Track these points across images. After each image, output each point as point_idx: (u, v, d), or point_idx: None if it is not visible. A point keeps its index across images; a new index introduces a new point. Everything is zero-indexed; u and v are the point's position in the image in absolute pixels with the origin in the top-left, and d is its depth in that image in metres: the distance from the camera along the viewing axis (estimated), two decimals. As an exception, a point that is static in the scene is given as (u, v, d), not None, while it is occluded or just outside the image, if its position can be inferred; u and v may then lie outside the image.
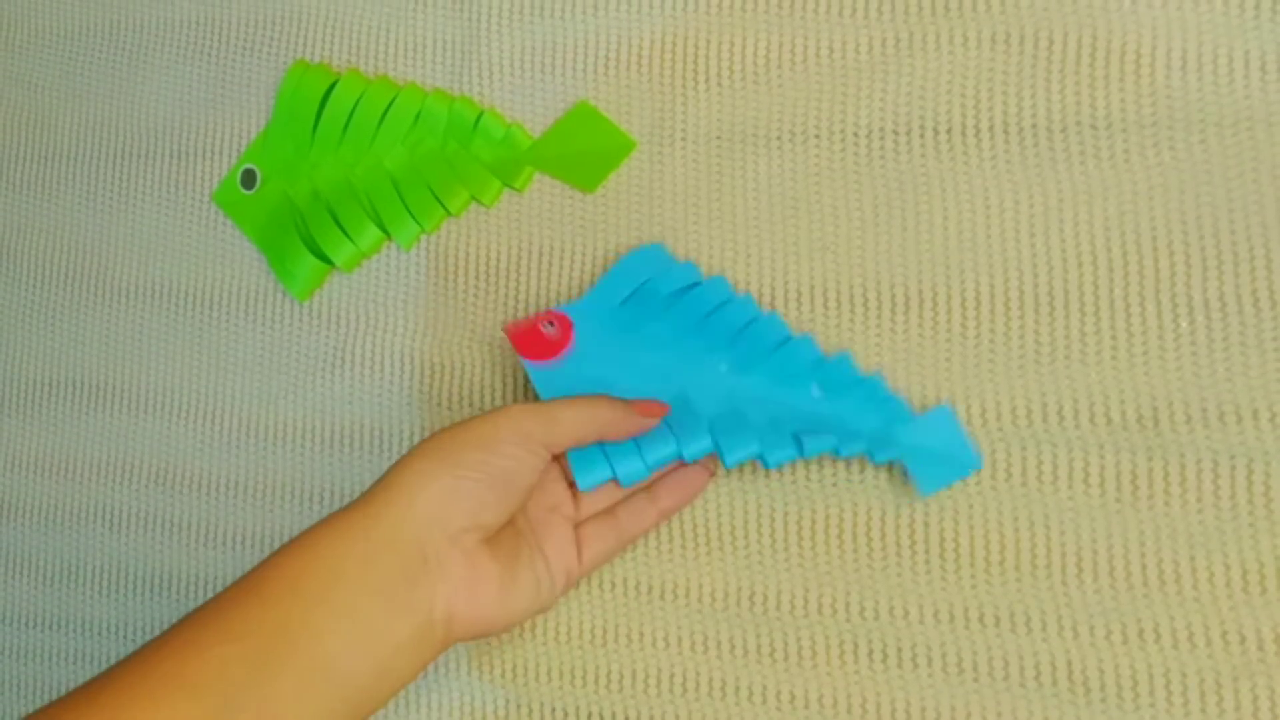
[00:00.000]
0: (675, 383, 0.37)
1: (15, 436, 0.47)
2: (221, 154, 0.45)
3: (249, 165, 0.45)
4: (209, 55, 0.46)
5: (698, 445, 0.35)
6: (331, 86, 0.43)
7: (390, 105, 0.43)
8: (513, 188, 0.41)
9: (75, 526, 0.46)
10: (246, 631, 0.30)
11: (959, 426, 0.36)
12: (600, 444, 0.36)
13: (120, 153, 0.47)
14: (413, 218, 0.42)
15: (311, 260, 0.43)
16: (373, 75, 0.44)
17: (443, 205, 0.42)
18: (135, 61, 0.47)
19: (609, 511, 0.36)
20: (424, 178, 0.42)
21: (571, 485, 0.36)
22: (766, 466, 0.35)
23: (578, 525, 0.36)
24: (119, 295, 0.46)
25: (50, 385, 0.47)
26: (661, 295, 0.38)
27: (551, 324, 0.39)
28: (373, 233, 0.42)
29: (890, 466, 0.36)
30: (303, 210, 0.43)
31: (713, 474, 0.38)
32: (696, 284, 0.38)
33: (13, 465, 0.47)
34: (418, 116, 0.43)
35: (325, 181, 0.43)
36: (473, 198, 0.42)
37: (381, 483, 0.33)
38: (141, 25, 0.47)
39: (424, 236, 0.42)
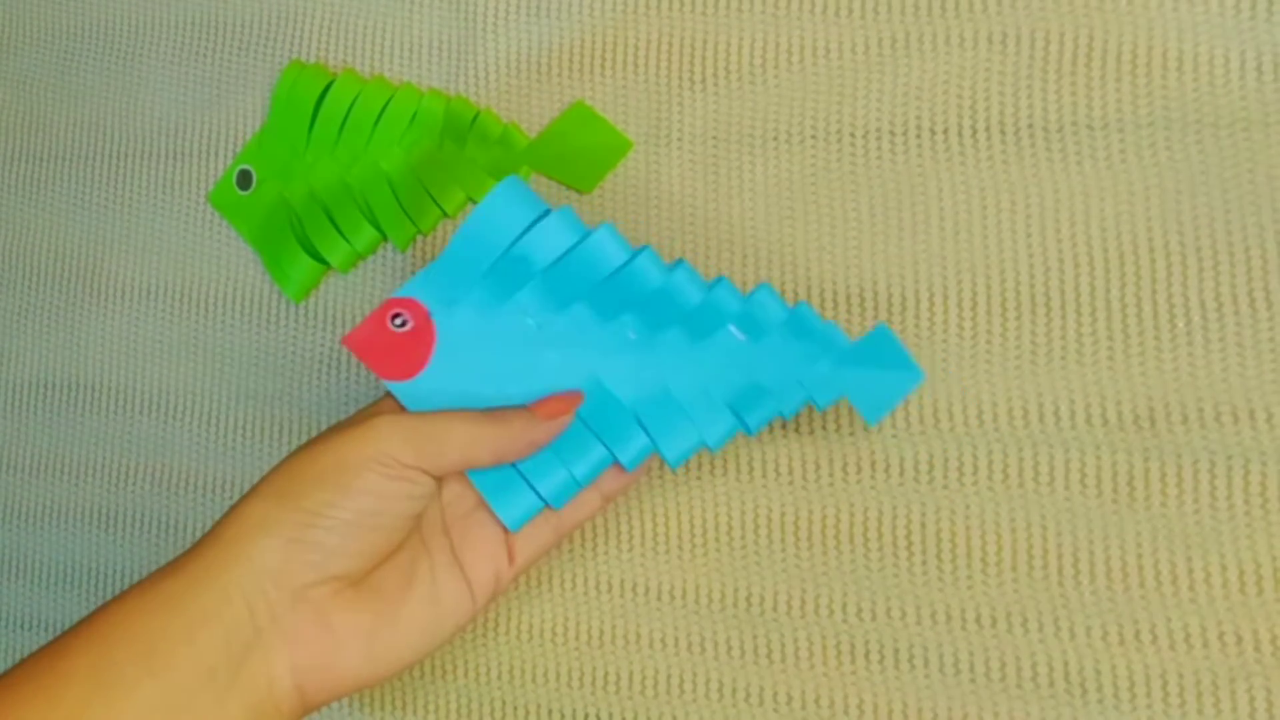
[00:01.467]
0: (581, 365, 0.31)
1: (9, 437, 0.47)
2: (217, 155, 0.45)
3: (244, 166, 0.45)
4: (205, 56, 0.46)
5: (633, 446, 0.30)
6: (327, 87, 0.43)
7: (386, 106, 0.42)
8: None
9: (69, 527, 0.45)
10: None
11: (899, 342, 0.32)
12: (515, 468, 0.30)
13: (115, 153, 0.47)
14: (409, 219, 0.42)
15: (307, 261, 0.43)
16: (369, 76, 0.44)
17: (439, 206, 0.41)
18: (130, 62, 0.47)
19: None
20: (420, 178, 0.42)
21: None
22: (711, 451, 0.31)
23: None
24: (114, 296, 0.46)
25: (44, 386, 0.47)
26: (537, 263, 0.31)
27: (401, 317, 0.31)
28: (369, 233, 0.42)
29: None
30: (298, 211, 0.43)
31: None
32: (584, 239, 0.31)
33: (6, 466, 0.47)
34: (413, 117, 0.42)
35: (321, 182, 0.43)
36: (469, 198, 0.41)
37: (211, 535, 0.27)
38: (137, 26, 0.47)
39: (420, 237, 0.42)
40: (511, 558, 0.31)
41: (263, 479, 0.28)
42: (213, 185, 0.45)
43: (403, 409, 0.30)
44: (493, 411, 0.29)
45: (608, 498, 0.33)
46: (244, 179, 0.44)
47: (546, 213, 0.31)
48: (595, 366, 0.31)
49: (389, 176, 0.42)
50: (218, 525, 0.28)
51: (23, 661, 0.26)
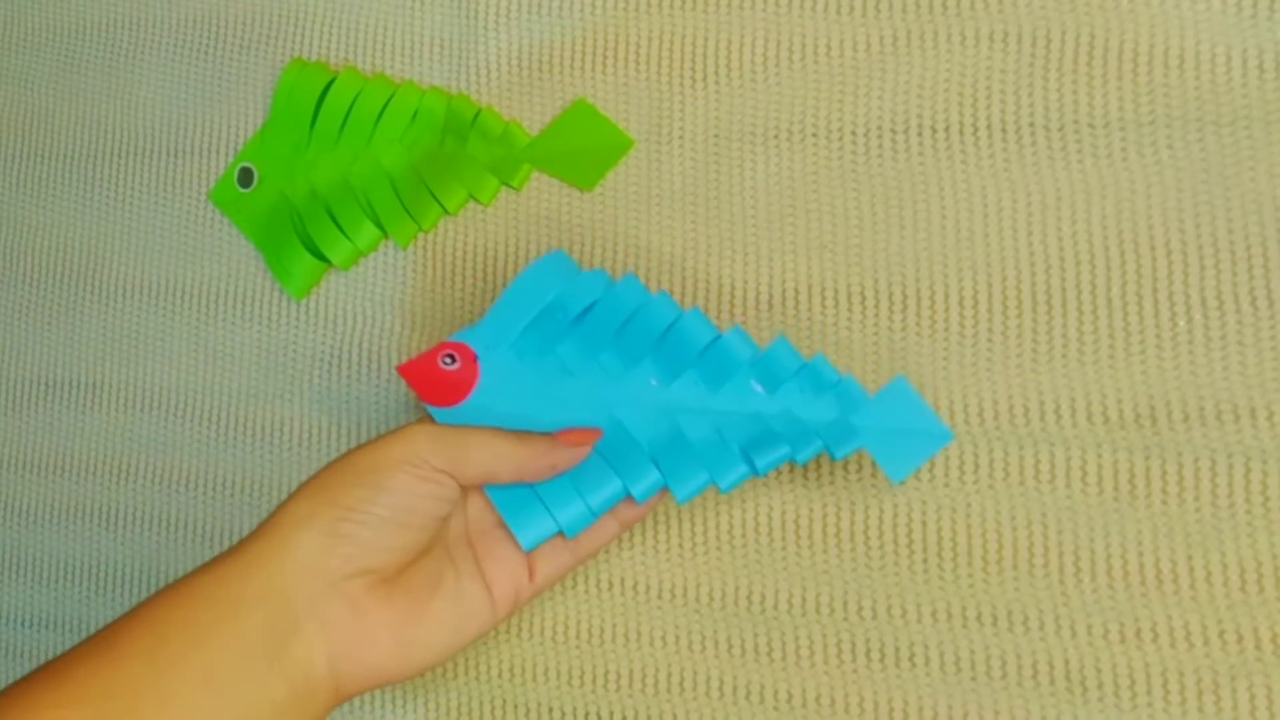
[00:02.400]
0: (603, 407, 0.34)
1: (10, 435, 0.47)
2: (218, 152, 0.45)
3: (246, 164, 0.45)
4: (206, 53, 0.46)
5: (645, 481, 0.32)
6: (329, 85, 0.43)
7: (387, 103, 0.43)
8: (510, 186, 0.41)
9: (71, 525, 0.46)
10: (87, 696, 0.26)
11: (919, 398, 0.33)
12: (535, 492, 0.32)
13: (116, 151, 0.47)
14: (410, 216, 0.42)
15: (309, 259, 0.43)
16: (370, 74, 0.44)
17: (440, 204, 0.42)
18: (132, 60, 0.47)
19: None
20: (421, 176, 0.42)
21: None
22: (721, 491, 0.33)
23: None
24: (115, 293, 0.46)
25: (46, 384, 0.47)
26: (571, 311, 0.34)
27: (452, 357, 0.35)
28: (370, 231, 0.42)
29: (860, 460, 0.36)
30: (300, 209, 0.43)
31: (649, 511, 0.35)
32: (608, 290, 0.34)
33: (8, 464, 0.47)
34: (415, 114, 0.42)
35: (322, 180, 0.43)
36: (470, 196, 0.42)
37: (258, 529, 0.30)
38: (138, 23, 0.47)
39: (421, 235, 0.42)
40: (532, 575, 0.33)
41: (306, 481, 0.30)
42: (214, 183, 0.45)
43: (438, 426, 0.32)
44: (519, 432, 0.32)
45: (625, 525, 0.35)
46: (245, 176, 0.45)
47: (580, 276, 0.35)
48: (617, 408, 0.34)
49: (390, 174, 0.42)
50: (264, 522, 0.30)
51: (80, 643, 0.28)
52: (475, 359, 0.35)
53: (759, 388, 0.34)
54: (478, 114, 0.42)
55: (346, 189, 0.43)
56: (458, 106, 0.42)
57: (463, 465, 0.30)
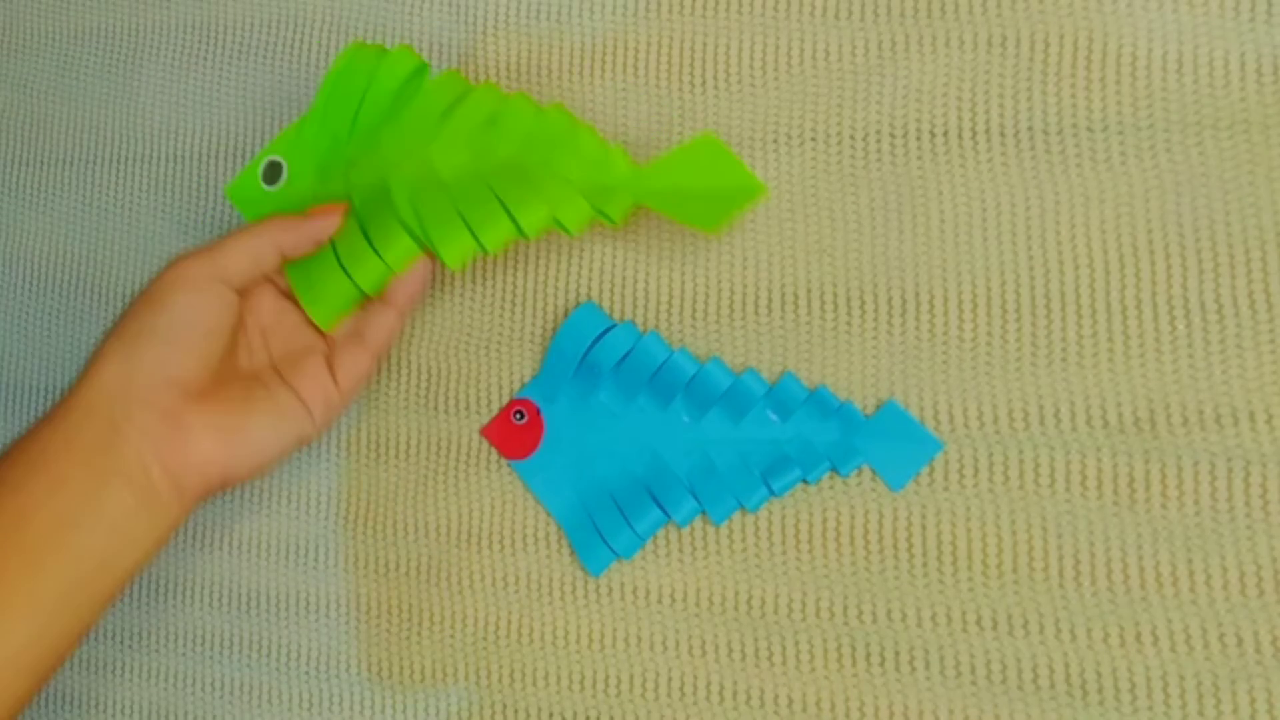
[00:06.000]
0: (646, 444, 0.38)
1: (10, 441, 0.47)
2: (218, 157, 0.45)
3: (274, 157, 0.39)
4: (205, 59, 0.46)
5: (685, 509, 0.37)
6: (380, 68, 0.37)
7: (456, 102, 0.36)
8: (606, 218, 0.36)
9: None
10: None
11: (910, 416, 0.36)
12: (595, 526, 0.38)
13: (116, 156, 0.47)
14: (469, 231, 0.34)
15: (340, 280, 0.36)
16: (435, 64, 0.42)
17: (514, 221, 0.34)
18: (131, 65, 0.47)
19: (354, 331, 0.37)
20: (492, 187, 0.35)
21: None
22: (750, 511, 0.37)
23: (329, 355, 0.37)
24: (115, 298, 0.46)
25: (46, 389, 0.47)
26: (608, 363, 0.38)
27: (521, 413, 0.39)
28: (404, 246, 0.35)
29: (861, 472, 0.36)
30: None
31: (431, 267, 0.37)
32: (639, 341, 0.38)
33: (8, 469, 0.47)
34: (490, 119, 0.36)
35: (360, 182, 0.37)
36: (554, 221, 0.35)
37: (78, 376, 0.34)
38: (137, 28, 0.47)
39: (480, 258, 0.39)
40: (338, 384, 0.36)
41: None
42: (231, 177, 0.43)
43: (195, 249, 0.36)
44: (268, 220, 0.36)
45: (401, 312, 0.37)
46: (272, 172, 0.39)
47: (612, 327, 0.39)
48: (655, 443, 0.38)
49: (447, 182, 0.36)
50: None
51: None
52: (539, 411, 0.39)
53: (774, 417, 0.37)
54: (575, 130, 0.36)
55: (383, 194, 0.36)
56: (552, 119, 0.36)
57: (227, 267, 0.34)
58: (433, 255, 0.36)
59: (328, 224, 0.36)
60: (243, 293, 0.36)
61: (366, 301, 0.37)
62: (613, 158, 0.36)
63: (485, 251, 0.35)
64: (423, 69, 0.38)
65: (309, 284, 0.37)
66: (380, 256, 0.35)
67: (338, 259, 0.36)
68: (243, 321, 0.36)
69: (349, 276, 0.36)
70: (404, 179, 0.36)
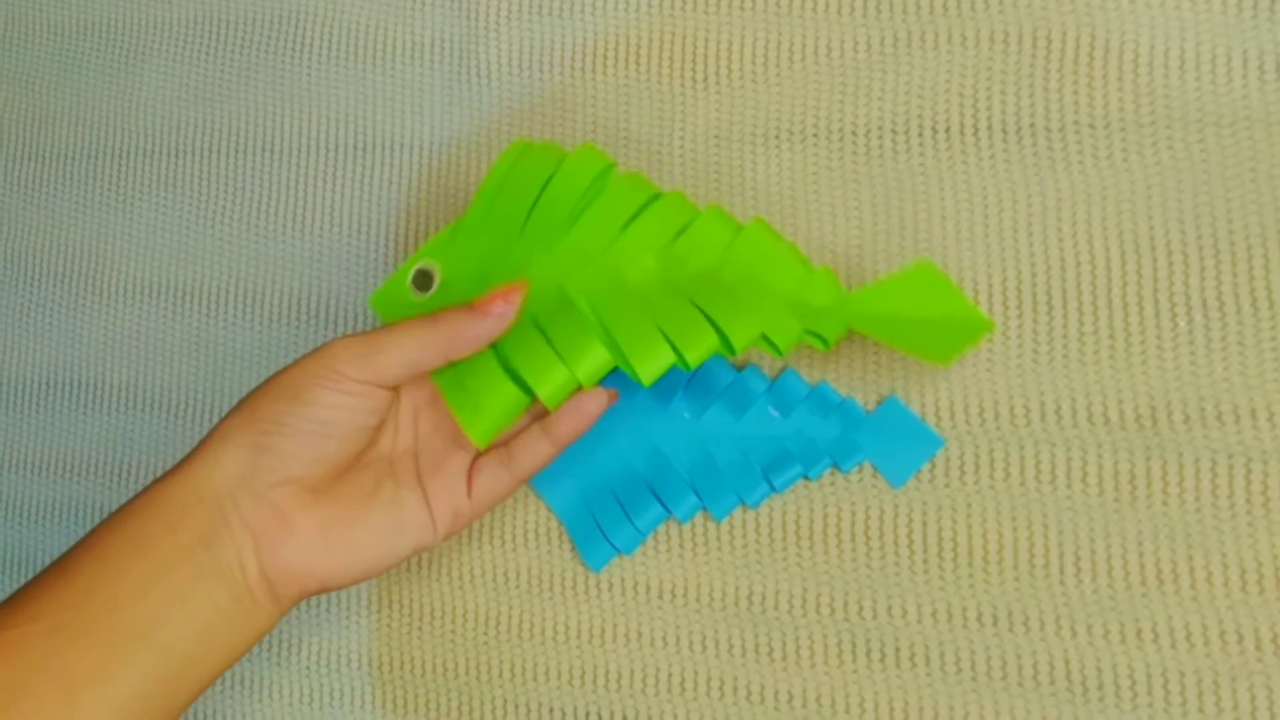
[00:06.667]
0: (648, 439, 0.38)
1: (11, 435, 0.47)
2: (219, 153, 0.45)
3: (425, 264, 0.36)
4: (207, 54, 0.46)
5: (686, 505, 0.37)
6: (558, 169, 0.34)
7: (643, 208, 0.34)
8: (818, 340, 0.33)
9: (71, 525, 0.45)
10: (48, 610, 0.29)
11: (911, 413, 0.36)
12: (596, 522, 0.38)
13: (117, 151, 0.47)
14: (668, 343, 0.31)
15: (509, 390, 0.33)
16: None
17: (722, 334, 0.31)
18: (132, 60, 0.47)
19: (503, 445, 0.34)
20: (692, 299, 0.32)
21: None
22: (750, 508, 0.37)
23: (473, 460, 0.34)
24: (116, 293, 0.46)
25: (46, 384, 0.47)
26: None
27: None
28: (597, 355, 0.32)
29: (862, 468, 0.36)
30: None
31: (614, 398, 0.34)
32: None
33: (8, 464, 0.47)
34: (680, 231, 0.34)
35: (535, 286, 0.33)
36: (765, 339, 0.32)
37: (191, 452, 0.32)
38: (139, 23, 0.47)
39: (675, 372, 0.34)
40: (470, 495, 0.34)
41: (236, 404, 0.32)
42: (377, 286, 0.39)
43: (357, 335, 0.33)
44: (432, 315, 0.32)
45: (559, 443, 0.34)
46: (423, 279, 0.36)
47: None
48: (657, 439, 0.38)
49: (636, 292, 0.33)
50: (196, 445, 0.32)
51: (36, 575, 0.30)
52: None
53: (775, 413, 0.37)
54: (779, 248, 0.34)
55: (561, 300, 0.33)
56: (752, 235, 0.34)
57: (382, 369, 0.31)
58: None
59: (504, 316, 0.32)
60: (397, 387, 0.33)
61: (522, 416, 0.34)
62: (818, 279, 0.34)
63: (686, 367, 0.32)
64: (609, 168, 0.35)
65: (465, 394, 0.33)
66: (568, 366, 0.32)
67: (507, 367, 0.33)
68: (398, 398, 0.33)
69: (523, 386, 0.33)
70: (583, 284, 0.33)
